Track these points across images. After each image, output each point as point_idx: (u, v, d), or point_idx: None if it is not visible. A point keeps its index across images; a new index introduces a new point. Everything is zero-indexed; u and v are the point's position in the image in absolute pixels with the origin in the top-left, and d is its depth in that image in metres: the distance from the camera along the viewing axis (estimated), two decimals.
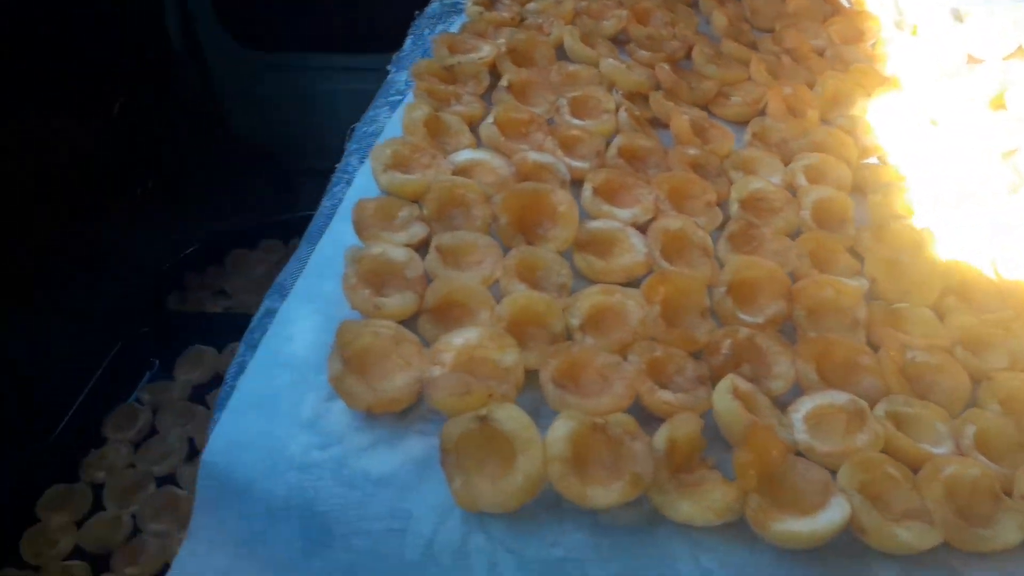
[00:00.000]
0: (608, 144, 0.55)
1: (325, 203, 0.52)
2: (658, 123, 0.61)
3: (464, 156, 0.52)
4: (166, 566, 0.69)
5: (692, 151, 0.57)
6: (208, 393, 0.83)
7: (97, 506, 0.74)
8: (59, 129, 1.14)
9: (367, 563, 0.36)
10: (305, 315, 0.43)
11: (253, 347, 0.43)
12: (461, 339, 0.41)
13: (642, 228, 0.49)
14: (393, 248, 0.44)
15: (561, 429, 0.37)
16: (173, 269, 1.17)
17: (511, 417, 0.37)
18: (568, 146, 0.55)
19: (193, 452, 0.78)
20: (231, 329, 0.72)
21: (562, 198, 0.49)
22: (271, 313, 0.44)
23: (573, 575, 0.36)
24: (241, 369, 0.42)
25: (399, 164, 0.50)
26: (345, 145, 0.61)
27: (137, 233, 1.33)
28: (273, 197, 1.45)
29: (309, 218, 1.28)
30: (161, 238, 1.34)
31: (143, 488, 0.74)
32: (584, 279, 0.46)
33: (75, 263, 1.24)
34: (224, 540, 0.38)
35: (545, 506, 0.37)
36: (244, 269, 1.19)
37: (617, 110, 0.59)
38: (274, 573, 0.37)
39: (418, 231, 0.46)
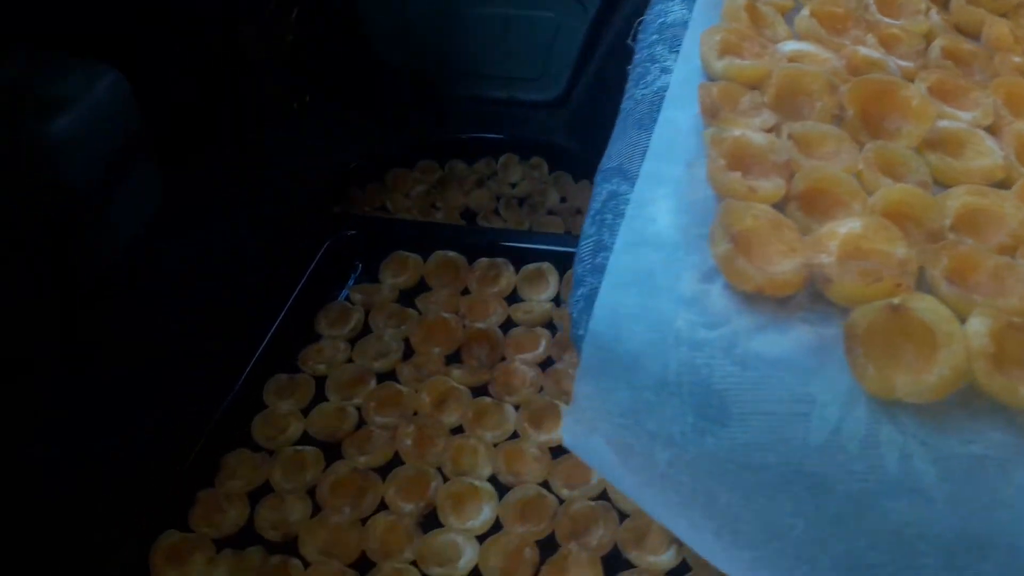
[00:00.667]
0: (928, 45, 0.53)
1: (637, 92, 0.50)
2: (960, 29, 0.57)
3: (790, 47, 0.50)
4: (396, 457, 0.70)
5: (1018, 59, 0.53)
6: (416, 296, 0.83)
7: (319, 397, 0.75)
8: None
9: (766, 443, 0.35)
10: (660, 198, 0.41)
11: (601, 226, 0.42)
12: (845, 228, 0.39)
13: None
14: (753, 132, 0.43)
15: (980, 325, 0.35)
16: (338, 183, 1.18)
17: (930, 308, 0.35)
18: (888, 44, 0.52)
19: (409, 351, 0.78)
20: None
21: (914, 92, 0.46)
22: (616, 196, 0.43)
23: (993, 474, 0.34)
24: (599, 247, 0.41)
25: (730, 51, 0.48)
26: (631, 41, 0.59)
27: (299, 147, 1.35)
28: (424, 121, 1.45)
29: (462, 140, 1.29)
30: (320, 154, 1.36)
31: (364, 383, 0.75)
32: (935, 180, 0.45)
33: (252, 172, 1.26)
34: (609, 410, 0.37)
35: (955, 403, 0.36)
36: (403, 187, 1.19)
37: (927, 11, 0.55)
38: (662, 446, 0.36)
39: (767, 118, 0.44)
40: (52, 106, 0.79)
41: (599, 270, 0.40)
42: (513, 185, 1.21)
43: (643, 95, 0.49)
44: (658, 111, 0.46)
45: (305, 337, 0.80)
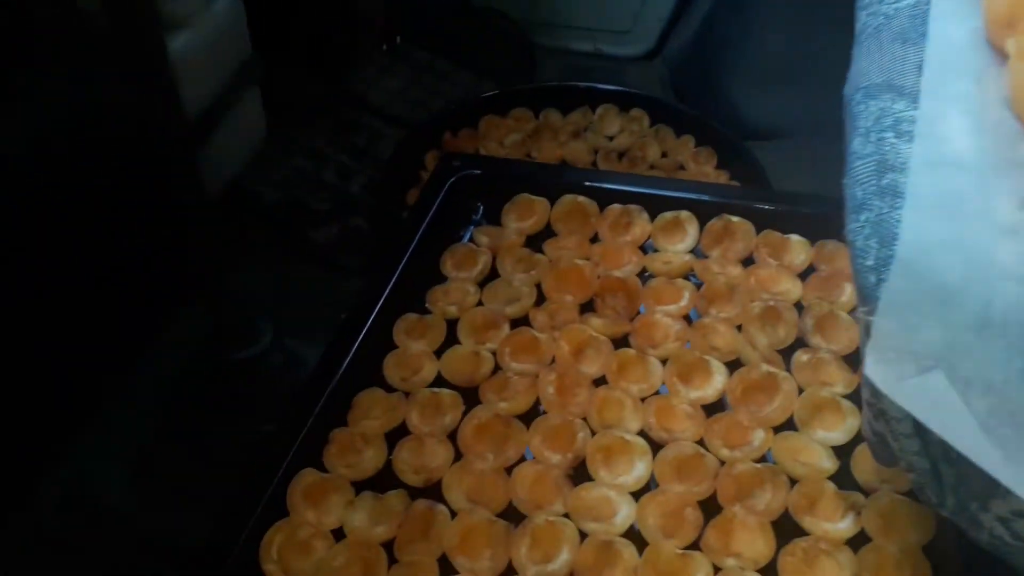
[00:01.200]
0: None
1: (884, 6, 0.45)
2: None
3: None
4: (536, 405, 0.66)
5: None
6: (543, 241, 0.79)
7: (451, 339, 0.72)
8: None
9: None
10: (951, 116, 0.37)
11: (880, 144, 0.38)
12: None
13: None
14: None
15: None
16: (431, 126, 1.14)
17: None
18: None
19: (541, 298, 0.74)
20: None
21: None
22: (891, 112, 0.39)
23: None
24: (884, 168, 0.37)
25: None
26: None
27: (392, 90, 1.30)
28: (517, 69, 1.40)
29: (557, 89, 1.23)
30: (411, 98, 1.31)
31: (497, 327, 0.72)
32: None
33: (350, 112, 1.23)
34: (915, 351, 0.33)
35: None
36: (497, 135, 1.15)
37: None
38: (979, 393, 0.32)
39: None
40: (170, 23, 0.76)
41: (887, 192, 0.35)
42: (611, 138, 1.16)
43: (896, 9, 0.44)
44: (923, 24, 0.42)
45: (432, 279, 0.77)
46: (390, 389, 0.68)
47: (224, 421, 0.75)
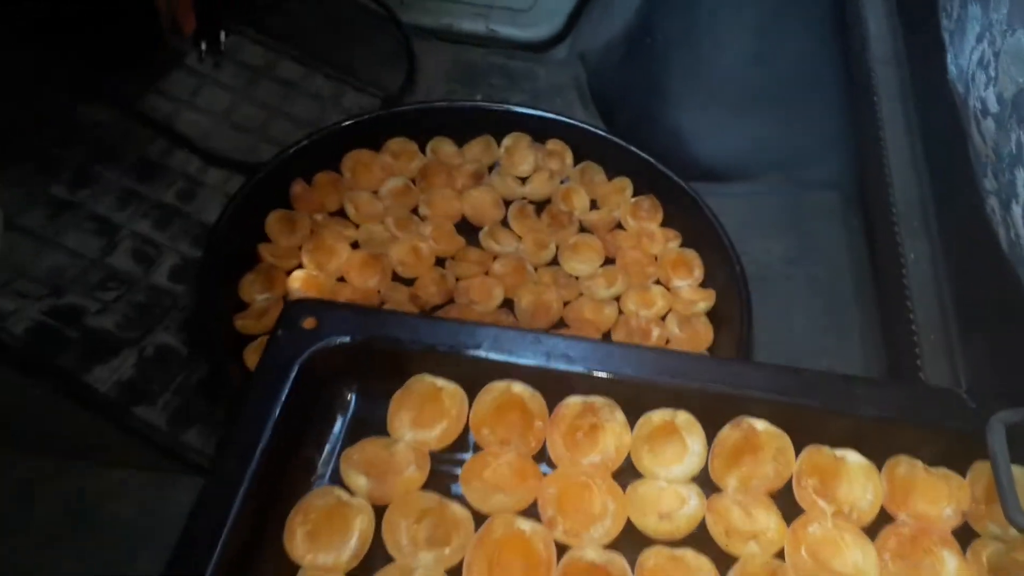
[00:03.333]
0: None
1: None
2: None
3: None
4: None
5: None
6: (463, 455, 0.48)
7: None
8: None
9: None
10: None
11: None
12: None
13: None
14: None
15: None
16: (273, 171, 0.80)
17: None
18: None
19: None
20: None
21: None
22: None
23: None
24: None
25: None
26: None
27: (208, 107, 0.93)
28: (387, 65, 1.06)
29: (443, 109, 0.91)
30: (243, 119, 0.95)
31: None
32: None
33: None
34: None
35: None
36: (369, 179, 0.84)
37: None
38: None
39: None
40: None
41: None
42: (524, 180, 0.87)
43: None
44: None
45: (275, 565, 0.45)
46: None
47: None
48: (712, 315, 0.75)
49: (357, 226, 0.80)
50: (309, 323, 0.51)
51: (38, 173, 0.79)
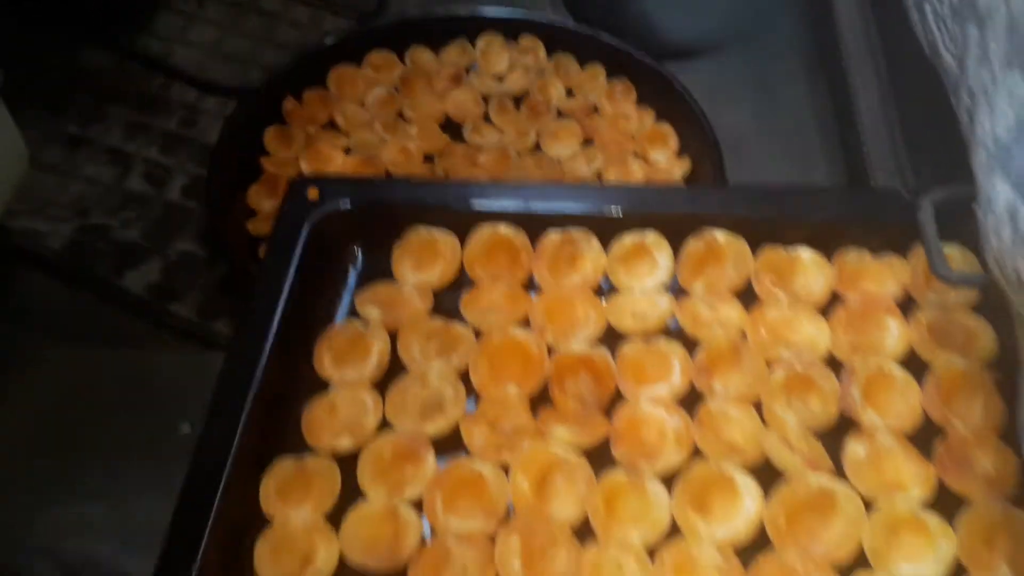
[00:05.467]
0: None
1: None
2: None
3: None
4: None
5: None
6: (457, 297, 0.55)
7: (350, 491, 0.48)
8: None
9: None
10: None
11: None
12: None
13: None
14: None
15: None
16: (265, 92, 0.85)
17: None
18: None
19: (469, 389, 0.51)
20: None
21: None
22: None
23: None
24: None
25: None
26: None
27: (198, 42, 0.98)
28: None
29: (418, 20, 0.95)
30: (232, 49, 1.00)
31: (417, 460, 0.48)
32: None
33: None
34: None
35: None
36: (354, 91, 0.89)
37: None
38: None
39: None
40: None
41: None
42: (500, 78, 0.91)
43: None
44: None
45: (303, 388, 0.52)
46: None
47: None
48: (689, 182, 0.80)
49: (348, 135, 0.85)
50: (312, 194, 0.57)
51: (51, 115, 0.85)
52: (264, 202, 0.79)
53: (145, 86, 0.90)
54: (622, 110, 0.87)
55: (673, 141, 0.84)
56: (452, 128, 0.86)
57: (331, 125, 0.86)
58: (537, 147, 0.84)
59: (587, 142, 0.85)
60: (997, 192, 0.34)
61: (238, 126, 0.81)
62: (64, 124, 0.85)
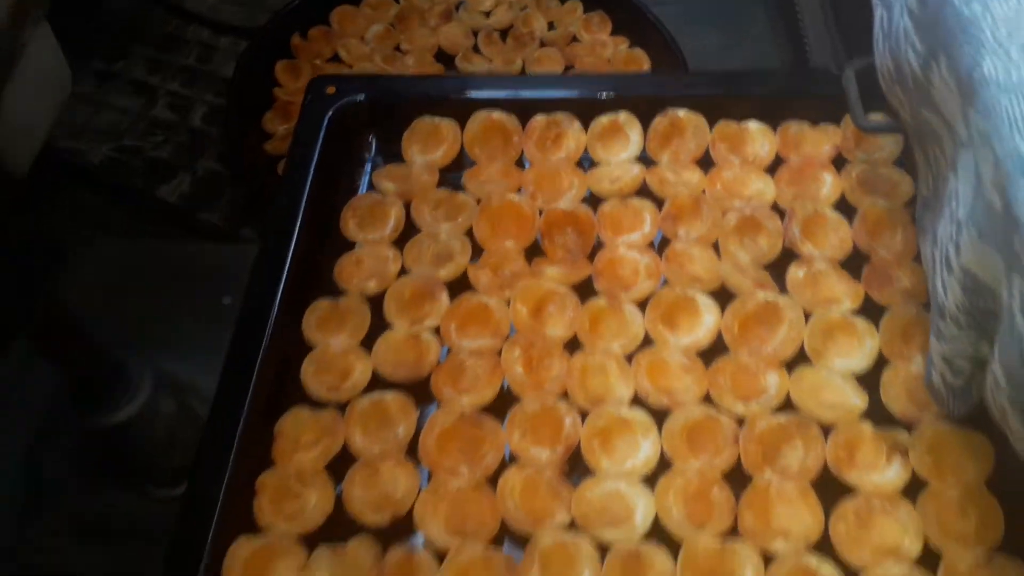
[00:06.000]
0: None
1: None
2: None
3: None
4: (503, 391, 0.54)
5: None
6: (460, 174, 0.64)
7: (379, 324, 0.57)
8: None
9: None
10: None
11: None
12: None
13: None
14: None
15: None
16: (273, 31, 0.94)
17: None
18: None
19: (475, 248, 0.60)
20: None
21: None
22: None
23: None
24: None
25: None
26: None
27: None
28: None
29: None
30: None
31: (433, 298, 0.58)
32: None
33: None
34: None
35: None
36: (355, 28, 0.97)
37: None
38: None
39: None
40: None
41: None
42: (487, 14, 1.00)
43: None
44: None
45: (334, 247, 0.61)
46: (317, 405, 0.54)
47: (113, 496, 0.59)
48: None
49: (351, 67, 0.94)
50: (331, 90, 0.66)
51: (79, 54, 0.93)
52: (279, 126, 0.88)
53: (163, 27, 0.98)
54: (599, 39, 0.96)
55: (646, 64, 0.93)
56: (445, 59, 0.95)
57: (335, 59, 0.95)
58: (523, 74, 0.94)
59: (568, 68, 0.94)
60: None
61: (251, 61, 0.90)
62: (92, 61, 0.93)
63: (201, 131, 0.90)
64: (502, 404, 0.54)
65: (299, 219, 0.60)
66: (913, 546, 0.46)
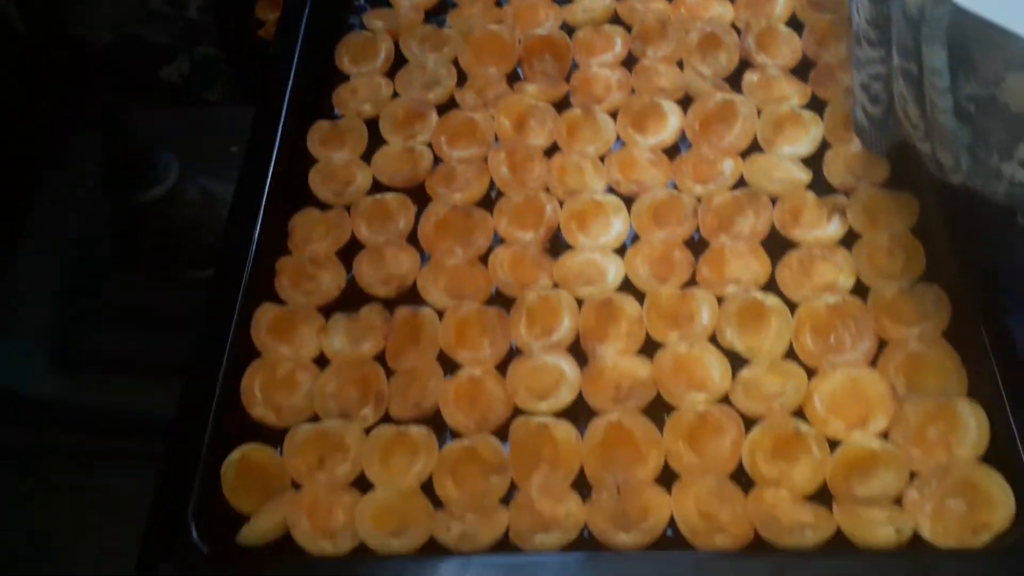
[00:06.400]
0: None
1: None
2: None
3: None
4: (492, 189, 0.61)
5: None
6: (444, 13, 0.70)
7: (376, 141, 0.64)
8: None
9: None
10: None
11: None
12: None
13: None
14: None
15: None
16: None
17: None
18: None
19: (462, 76, 0.66)
20: None
21: None
22: None
23: None
24: None
25: None
26: None
27: None
28: None
29: None
30: None
31: (423, 117, 0.64)
32: None
33: None
34: None
35: None
36: None
37: None
38: None
39: None
40: None
41: None
42: None
43: None
44: None
45: (330, 79, 0.67)
46: (324, 207, 0.61)
47: (147, 273, 0.65)
48: None
49: None
50: None
51: None
52: (269, 14, 0.94)
53: None
54: None
55: None
56: None
57: None
58: None
59: None
60: None
61: None
62: None
63: (197, 21, 0.95)
64: (490, 204, 0.60)
65: (295, 54, 0.66)
66: (847, 282, 0.53)
